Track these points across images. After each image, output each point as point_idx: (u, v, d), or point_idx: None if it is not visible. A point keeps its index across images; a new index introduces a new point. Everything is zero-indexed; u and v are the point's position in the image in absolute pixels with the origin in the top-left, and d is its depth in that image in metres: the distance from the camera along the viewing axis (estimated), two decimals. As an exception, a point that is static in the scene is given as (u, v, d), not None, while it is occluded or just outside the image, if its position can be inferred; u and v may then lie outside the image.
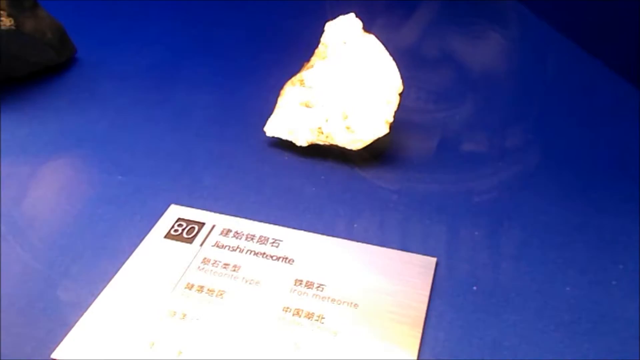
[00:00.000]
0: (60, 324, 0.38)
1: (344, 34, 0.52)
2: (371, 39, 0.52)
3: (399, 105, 0.49)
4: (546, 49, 0.71)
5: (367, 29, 0.52)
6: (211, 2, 0.82)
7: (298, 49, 0.65)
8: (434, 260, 0.41)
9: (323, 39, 0.53)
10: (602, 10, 0.63)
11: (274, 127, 0.53)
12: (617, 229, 0.44)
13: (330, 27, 0.53)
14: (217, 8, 0.80)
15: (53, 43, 0.62)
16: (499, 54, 0.71)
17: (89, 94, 0.62)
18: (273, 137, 0.53)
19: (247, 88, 0.62)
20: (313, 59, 0.53)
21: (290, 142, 0.52)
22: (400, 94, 0.50)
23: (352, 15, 0.53)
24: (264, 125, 0.53)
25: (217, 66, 0.67)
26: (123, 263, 0.42)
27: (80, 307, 0.39)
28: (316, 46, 0.53)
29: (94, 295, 0.39)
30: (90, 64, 0.67)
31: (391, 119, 0.49)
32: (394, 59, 0.50)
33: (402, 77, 0.50)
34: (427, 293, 0.39)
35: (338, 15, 0.53)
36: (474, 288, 0.39)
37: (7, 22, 0.55)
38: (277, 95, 0.53)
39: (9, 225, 0.46)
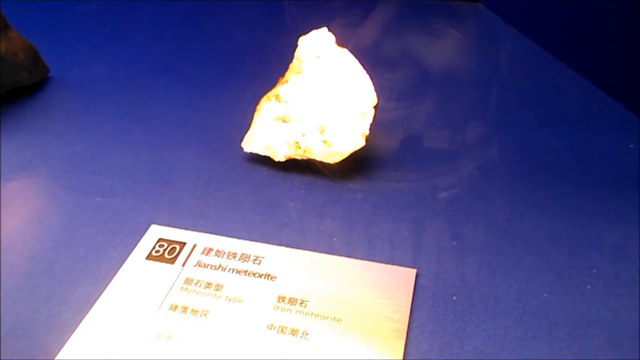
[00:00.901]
0: (44, 350, 0.38)
1: (318, 48, 0.53)
2: (345, 53, 0.52)
3: (374, 117, 0.50)
4: (508, 49, 0.73)
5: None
6: (183, 18, 0.82)
7: (272, 62, 0.66)
8: (414, 271, 0.42)
9: (297, 53, 0.54)
10: (566, 13, 0.65)
11: (251, 143, 0.53)
12: (589, 233, 0.45)
13: (304, 41, 0.54)
14: (189, 23, 0.81)
15: (26, 64, 0.62)
16: (459, 53, 0.73)
17: (63, 114, 0.61)
18: (251, 153, 0.53)
19: (222, 103, 0.63)
20: (288, 73, 0.54)
21: (269, 157, 0.52)
22: (376, 107, 0.51)
23: (324, 29, 0.54)
24: (241, 140, 0.53)
25: (191, 82, 0.67)
26: (105, 286, 0.42)
27: (63, 332, 0.39)
28: (290, 60, 0.54)
29: (78, 320, 0.39)
30: (63, 83, 0.67)
31: (367, 132, 0.50)
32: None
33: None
34: (409, 305, 0.39)
35: (310, 29, 0.54)
36: (454, 298, 0.40)
37: (-22, 45, 0.55)
38: (253, 110, 0.53)
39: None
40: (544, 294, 0.40)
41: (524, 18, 0.73)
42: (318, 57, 0.53)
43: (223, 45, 0.74)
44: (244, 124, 0.54)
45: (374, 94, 0.51)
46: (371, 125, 0.50)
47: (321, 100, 0.51)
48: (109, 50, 0.74)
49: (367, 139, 0.50)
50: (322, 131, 0.50)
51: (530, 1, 0.71)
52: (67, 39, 0.77)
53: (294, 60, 0.54)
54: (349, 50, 0.52)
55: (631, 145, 0.54)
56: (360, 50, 0.69)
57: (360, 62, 0.51)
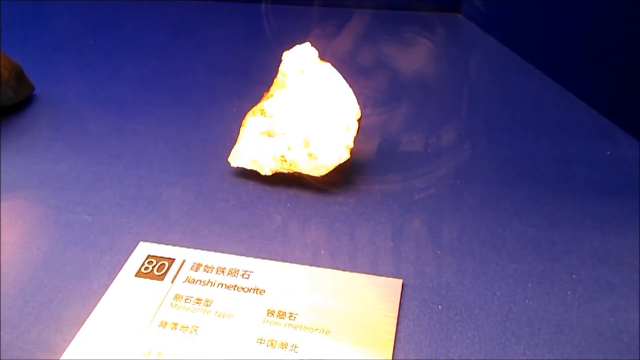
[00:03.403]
0: (35, 371, 0.38)
1: (301, 63, 0.54)
2: (327, 67, 0.53)
3: (358, 130, 0.51)
4: (487, 58, 0.74)
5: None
6: (167, 33, 0.82)
7: (257, 76, 0.67)
8: (400, 281, 0.43)
9: (281, 67, 0.54)
10: (545, 23, 0.67)
11: (238, 158, 0.54)
12: (568, 239, 0.46)
13: (287, 56, 0.55)
14: (173, 38, 0.81)
15: (10, 83, 0.62)
16: (439, 63, 0.75)
17: (49, 132, 0.61)
18: (237, 167, 0.54)
19: (208, 118, 0.63)
20: (272, 88, 0.54)
21: (255, 172, 0.53)
22: (359, 120, 0.51)
23: (307, 44, 0.55)
24: (227, 155, 0.54)
25: (176, 97, 0.67)
26: (95, 305, 0.42)
27: (54, 352, 0.39)
28: (274, 73, 0.54)
29: (67, 340, 0.40)
30: (49, 101, 0.67)
31: (352, 144, 0.51)
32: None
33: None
34: (395, 315, 0.40)
35: (292, 42, 0.55)
36: (439, 307, 0.41)
37: (-38, 66, 0.55)
38: (239, 124, 0.54)
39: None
40: (526, 301, 0.41)
41: (503, 28, 0.75)
42: (302, 71, 0.53)
43: (207, 60, 0.75)
44: (230, 138, 0.54)
45: (357, 107, 0.52)
46: (355, 138, 0.51)
47: (305, 114, 0.52)
48: (94, 66, 0.74)
49: (352, 151, 0.51)
50: (307, 145, 0.51)
51: (509, 12, 0.73)
52: (51, 55, 0.77)
53: (278, 75, 0.54)
54: (331, 63, 0.53)
55: (608, 152, 0.55)
56: (341, 59, 0.70)
57: (341, 73, 0.52)
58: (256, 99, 0.55)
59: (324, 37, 0.79)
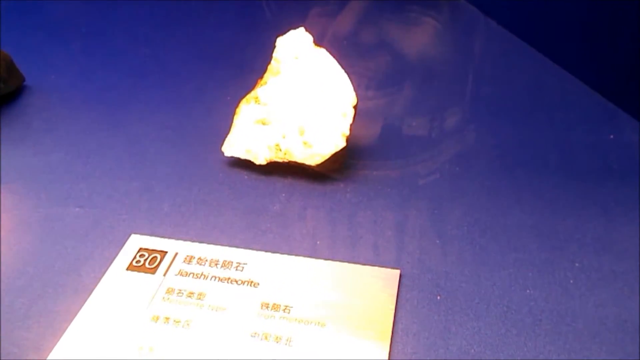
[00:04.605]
0: (24, 367, 0.37)
1: (296, 49, 0.52)
2: (322, 53, 0.52)
3: (354, 117, 0.50)
4: (487, 41, 0.73)
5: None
6: (158, 21, 0.81)
7: (250, 63, 0.66)
8: (397, 272, 0.42)
9: (275, 54, 0.53)
10: (545, 6, 0.65)
11: (232, 147, 0.52)
12: (570, 227, 0.45)
13: (281, 42, 0.53)
14: (164, 26, 0.80)
15: (0, 74, 0.61)
16: (439, 45, 0.73)
17: (40, 123, 0.60)
18: (231, 157, 0.53)
19: (201, 107, 0.62)
20: (266, 75, 0.53)
21: (249, 161, 0.52)
22: (355, 107, 0.50)
23: (302, 29, 0.53)
24: (221, 144, 0.53)
25: (168, 86, 0.66)
26: (86, 299, 0.41)
27: (44, 347, 0.38)
28: (268, 60, 0.53)
29: (58, 335, 0.39)
30: (40, 91, 0.66)
31: (348, 132, 0.50)
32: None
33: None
34: (393, 306, 0.39)
35: (288, 29, 0.53)
36: (438, 297, 0.40)
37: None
38: (233, 113, 0.53)
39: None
40: (527, 290, 0.40)
41: (504, 11, 0.73)
42: (296, 58, 0.52)
43: (199, 48, 0.74)
44: (224, 127, 0.53)
45: (353, 94, 0.50)
46: (351, 125, 0.50)
47: (300, 101, 0.51)
48: (85, 55, 0.73)
49: (348, 139, 0.50)
50: (302, 133, 0.50)
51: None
52: (42, 45, 0.76)
53: (272, 62, 0.53)
54: (329, 46, 0.52)
55: (611, 136, 0.54)
56: (339, 42, 0.69)
57: (340, 55, 0.51)
58: (251, 87, 0.53)
59: (321, 19, 0.77)
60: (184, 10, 0.83)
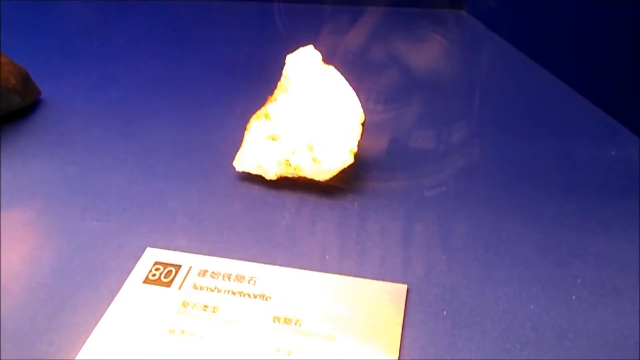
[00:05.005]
0: (46, 380, 0.39)
1: (305, 66, 0.54)
2: (331, 70, 0.53)
3: (362, 133, 0.51)
4: (490, 55, 0.74)
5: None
6: (169, 33, 0.83)
7: (260, 77, 0.67)
8: (404, 287, 0.43)
9: (284, 71, 0.55)
10: (548, 20, 0.66)
11: (243, 162, 0.54)
12: (573, 242, 0.46)
13: (291, 59, 0.55)
14: (176, 40, 0.81)
15: (17, 88, 0.62)
16: (441, 60, 0.75)
17: (56, 137, 0.62)
18: (242, 172, 0.54)
19: (213, 121, 0.63)
20: (276, 92, 0.55)
21: (260, 176, 0.53)
22: (363, 124, 0.52)
23: (310, 47, 0.55)
24: (232, 158, 0.54)
25: (180, 99, 0.68)
26: (104, 312, 0.43)
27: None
28: (278, 76, 0.54)
29: (77, 347, 0.40)
30: (54, 105, 0.67)
31: (356, 149, 0.51)
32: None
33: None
34: (400, 321, 0.41)
35: (299, 46, 0.55)
36: (444, 313, 0.41)
37: (-31, 74, 0.56)
38: (243, 127, 0.54)
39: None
40: (531, 306, 0.41)
41: (507, 25, 0.74)
42: (305, 75, 0.54)
43: (210, 61, 0.75)
44: (235, 142, 0.55)
45: (361, 110, 0.52)
46: (359, 141, 0.51)
47: (309, 118, 0.52)
48: (98, 68, 0.75)
49: (355, 155, 0.51)
50: (311, 149, 0.51)
51: (512, 9, 0.73)
52: (55, 58, 0.77)
53: (282, 79, 0.55)
54: (333, 61, 0.53)
55: (612, 152, 0.55)
56: (343, 57, 0.70)
57: (343, 70, 0.52)
58: (261, 101, 0.55)
59: (333, 34, 0.79)
60: (195, 23, 0.85)
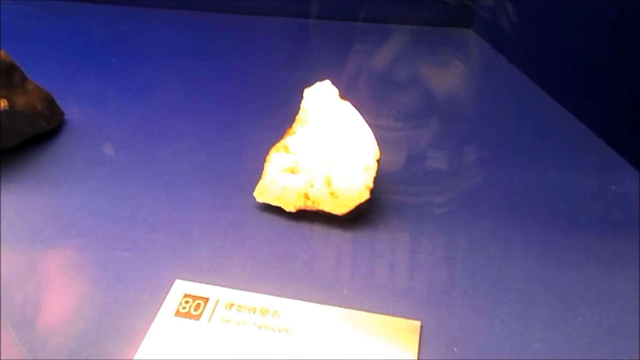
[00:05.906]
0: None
1: (322, 101, 0.57)
2: (347, 106, 0.56)
3: (377, 170, 0.54)
4: (496, 78, 0.77)
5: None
6: (189, 49, 0.85)
7: (280, 100, 0.70)
8: (418, 323, 0.46)
9: (303, 104, 0.57)
10: (554, 46, 0.68)
11: (263, 194, 0.57)
12: (574, 279, 0.50)
13: (308, 93, 0.57)
14: (196, 55, 0.83)
15: (43, 113, 0.65)
16: (446, 81, 0.77)
17: (80, 162, 0.64)
18: (263, 202, 0.57)
19: (234, 144, 0.66)
20: (295, 125, 0.57)
21: (280, 207, 0.56)
22: (378, 160, 0.54)
23: (327, 82, 0.57)
24: (253, 188, 0.57)
25: (201, 122, 0.70)
26: (138, 345, 0.46)
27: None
28: (299, 99, 0.57)
29: (117, 379, 0.44)
30: (78, 127, 0.69)
31: (371, 184, 0.54)
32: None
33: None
34: (415, 358, 0.44)
35: (315, 81, 0.57)
36: (455, 350, 0.45)
37: (2, 104, 0.58)
38: (264, 153, 0.57)
39: (11, 317, 0.48)
40: (535, 344, 0.45)
41: (513, 48, 0.77)
42: (322, 109, 0.56)
43: (232, 79, 0.77)
44: (255, 169, 0.58)
45: (376, 147, 0.55)
46: (375, 178, 0.54)
47: (327, 152, 0.55)
48: (118, 88, 0.77)
49: (371, 191, 0.54)
50: (329, 183, 0.54)
51: (520, 32, 0.75)
52: (75, 77, 0.79)
53: (300, 112, 0.57)
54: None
55: (613, 187, 0.58)
56: (349, 76, 0.73)
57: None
58: (281, 126, 0.58)
59: (329, 51, 0.81)
60: (214, 45, 0.87)
